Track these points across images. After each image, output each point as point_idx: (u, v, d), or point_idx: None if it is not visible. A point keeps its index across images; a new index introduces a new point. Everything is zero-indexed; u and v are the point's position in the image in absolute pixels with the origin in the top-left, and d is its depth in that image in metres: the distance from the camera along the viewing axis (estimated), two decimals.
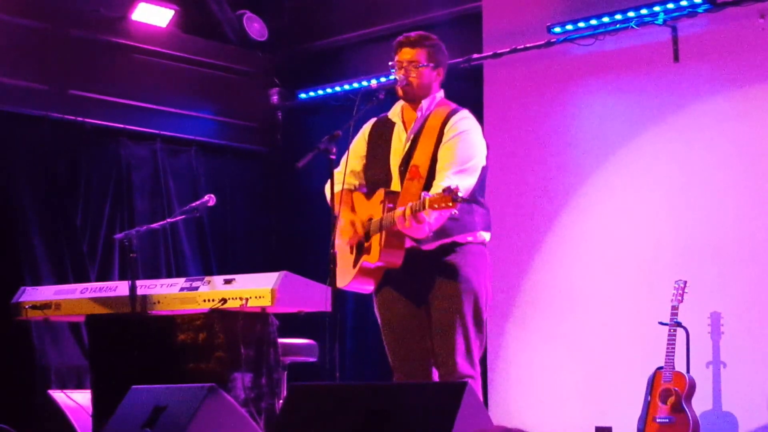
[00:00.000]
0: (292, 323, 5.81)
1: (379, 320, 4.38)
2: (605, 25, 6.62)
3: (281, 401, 5.23)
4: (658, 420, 5.72)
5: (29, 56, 7.29)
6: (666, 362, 5.75)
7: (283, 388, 5.60)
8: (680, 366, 5.78)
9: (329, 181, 4.38)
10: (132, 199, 7.73)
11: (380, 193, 4.23)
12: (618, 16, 6.55)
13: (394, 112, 4.42)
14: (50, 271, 7.11)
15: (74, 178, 7.44)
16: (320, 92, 8.39)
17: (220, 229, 8.25)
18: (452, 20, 7.44)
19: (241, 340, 5.19)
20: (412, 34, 4.39)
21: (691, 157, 6.37)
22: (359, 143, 4.47)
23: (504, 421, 6.23)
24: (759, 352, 5.96)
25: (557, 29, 6.79)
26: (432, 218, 3.94)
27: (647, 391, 5.82)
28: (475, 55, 7.26)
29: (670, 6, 6.36)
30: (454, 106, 4.36)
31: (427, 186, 4.13)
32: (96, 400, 5.50)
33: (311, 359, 6.14)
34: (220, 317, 5.24)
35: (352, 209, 4.35)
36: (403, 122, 4.37)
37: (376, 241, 4.13)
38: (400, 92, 4.34)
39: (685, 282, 5.90)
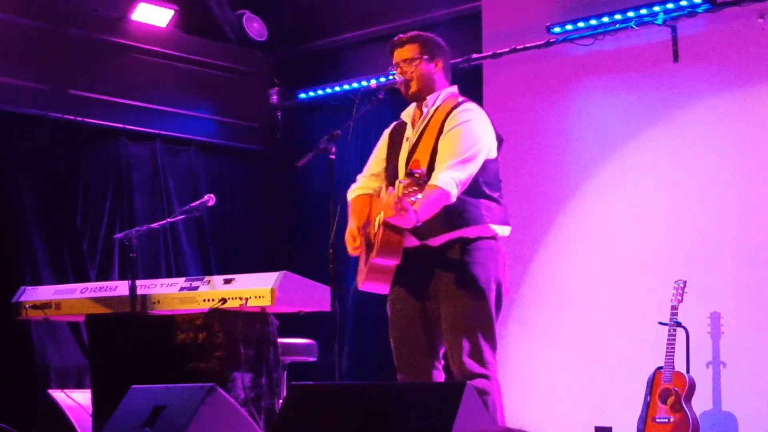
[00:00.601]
0: (292, 323, 5.81)
1: (389, 318, 4.34)
2: (605, 25, 6.62)
3: (281, 401, 5.23)
4: (657, 420, 5.73)
5: (29, 56, 7.29)
6: (666, 362, 5.75)
7: (282, 388, 5.60)
8: (680, 366, 5.78)
9: (353, 184, 4.38)
10: (132, 199, 7.74)
11: (385, 190, 4.21)
12: (618, 16, 6.55)
13: (406, 113, 4.38)
14: (50, 270, 7.11)
15: (74, 178, 7.44)
16: (320, 92, 8.39)
17: (220, 228, 8.26)
18: (452, 20, 7.44)
19: (241, 339, 5.19)
20: (402, 35, 4.34)
21: (691, 157, 6.37)
22: (381, 147, 4.42)
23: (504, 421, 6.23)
24: (759, 352, 5.96)
25: (557, 29, 6.79)
26: (418, 207, 3.87)
27: (647, 391, 5.82)
28: (475, 55, 7.26)
29: (670, 6, 6.36)
30: (461, 99, 4.27)
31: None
32: (96, 400, 5.50)
33: (311, 359, 6.14)
34: (220, 317, 5.25)
35: (369, 215, 4.30)
36: (413, 122, 4.33)
37: (377, 238, 4.12)
38: (403, 91, 4.32)
39: (685, 282, 5.90)
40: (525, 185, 6.91)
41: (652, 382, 5.81)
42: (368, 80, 7.33)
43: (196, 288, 5.60)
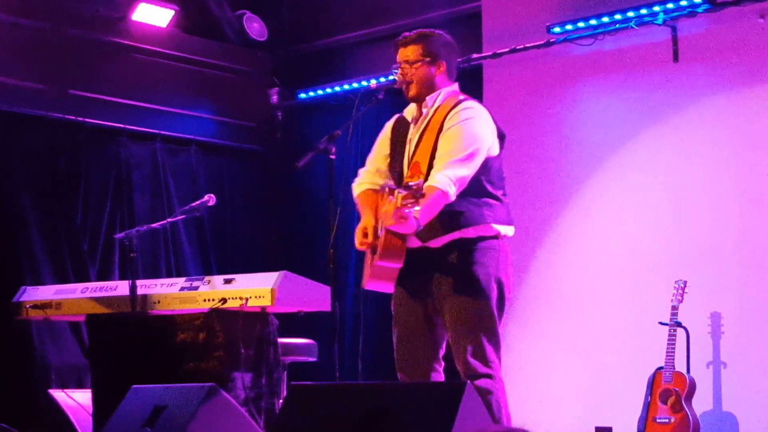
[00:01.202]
0: (292, 323, 5.81)
1: (392, 318, 4.34)
2: (605, 25, 6.62)
3: (281, 401, 5.23)
4: (658, 420, 5.73)
5: (29, 56, 7.29)
6: (666, 362, 5.75)
7: (282, 388, 5.60)
8: (680, 366, 5.78)
9: (356, 178, 4.37)
10: (132, 199, 7.74)
11: (386, 192, 4.21)
12: (618, 16, 6.55)
13: (409, 111, 4.36)
14: (50, 270, 7.12)
15: (74, 178, 7.44)
16: (320, 92, 8.39)
17: (220, 228, 8.26)
18: (452, 20, 7.43)
19: (241, 339, 5.19)
20: (408, 33, 4.31)
21: (691, 157, 6.37)
22: (383, 141, 4.38)
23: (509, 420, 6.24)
24: (759, 352, 5.96)
25: (557, 29, 6.79)
26: (418, 213, 3.85)
27: (647, 392, 5.82)
28: (475, 55, 7.26)
29: (670, 6, 6.36)
30: (462, 97, 4.24)
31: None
32: (96, 400, 5.50)
33: (311, 359, 6.14)
34: (220, 317, 5.25)
35: (376, 211, 4.29)
36: (414, 121, 4.32)
37: (380, 241, 4.11)
38: (404, 93, 4.31)
39: (685, 282, 5.90)
40: (525, 185, 6.91)
41: (652, 383, 5.81)
42: (368, 80, 7.33)
43: (196, 288, 5.60)
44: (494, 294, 4.12)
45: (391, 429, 3.33)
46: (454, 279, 4.09)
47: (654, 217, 6.46)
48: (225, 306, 5.37)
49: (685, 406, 5.67)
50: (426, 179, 3.97)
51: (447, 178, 3.96)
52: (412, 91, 4.25)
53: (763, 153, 6.10)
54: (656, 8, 6.40)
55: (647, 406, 5.79)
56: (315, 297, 5.44)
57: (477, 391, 3.83)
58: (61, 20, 7.48)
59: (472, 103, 4.23)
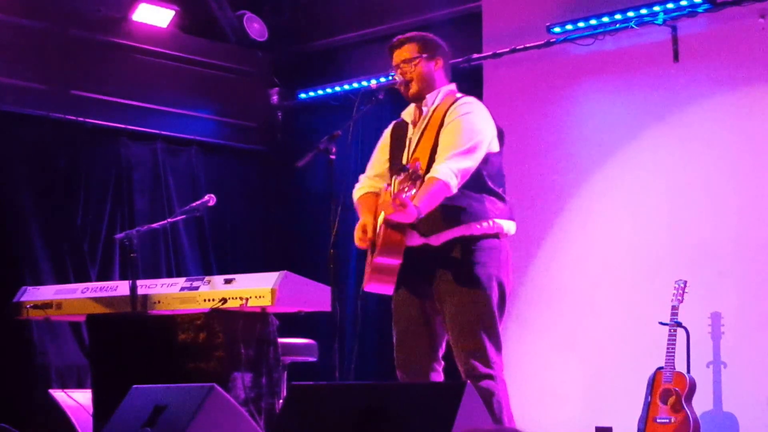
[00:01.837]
0: (292, 323, 5.81)
1: (392, 317, 4.34)
2: (605, 25, 6.62)
3: (281, 401, 5.23)
4: (658, 420, 5.73)
5: (29, 56, 7.30)
6: (666, 362, 5.75)
7: (283, 388, 5.60)
8: (680, 366, 5.78)
9: (356, 184, 4.39)
10: (132, 199, 7.74)
11: (385, 190, 4.21)
12: (618, 16, 6.56)
13: (407, 113, 4.37)
14: (51, 270, 7.12)
15: (74, 178, 7.44)
16: (320, 92, 8.40)
17: (220, 228, 8.26)
18: (452, 20, 7.44)
19: (241, 339, 5.19)
20: (400, 36, 4.34)
21: (691, 157, 6.37)
22: (383, 147, 4.41)
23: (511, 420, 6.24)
24: (759, 353, 5.96)
25: (557, 29, 6.80)
26: (419, 202, 3.86)
27: (647, 392, 5.82)
28: (475, 55, 7.27)
29: (670, 6, 6.36)
30: (460, 95, 4.27)
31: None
32: (96, 400, 5.50)
33: (311, 359, 6.14)
34: (220, 317, 5.25)
35: (376, 212, 4.30)
36: (413, 122, 4.33)
37: (379, 237, 4.11)
38: (403, 92, 4.31)
39: (686, 282, 5.90)
40: (525, 185, 6.91)
41: (652, 383, 5.81)
42: (368, 80, 7.33)
43: (196, 288, 5.60)
44: (495, 294, 4.12)
45: (391, 429, 3.33)
46: (455, 279, 4.09)
47: (654, 217, 6.46)
48: (225, 306, 5.38)
49: (685, 406, 5.68)
50: (427, 170, 3.97)
51: (449, 169, 3.97)
52: (414, 89, 4.26)
53: (764, 153, 6.10)
54: (656, 8, 6.40)
55: (647, 406, 5.79)
56: (315, 297, 5.44)
57: (479, 392, 3.84)
58: (61, 20, 7.48)
59: (471, 99, 4.26)
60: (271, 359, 5.31)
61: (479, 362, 4.06)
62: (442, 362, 4.27)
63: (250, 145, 8.65)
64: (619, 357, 6.44)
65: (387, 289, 4.19)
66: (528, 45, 6.98)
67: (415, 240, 4.10)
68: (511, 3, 7.23)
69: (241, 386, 5.13)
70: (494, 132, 4.19)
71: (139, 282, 5.67)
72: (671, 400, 5.71)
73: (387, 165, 4.36)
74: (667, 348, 5.75)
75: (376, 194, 4.34)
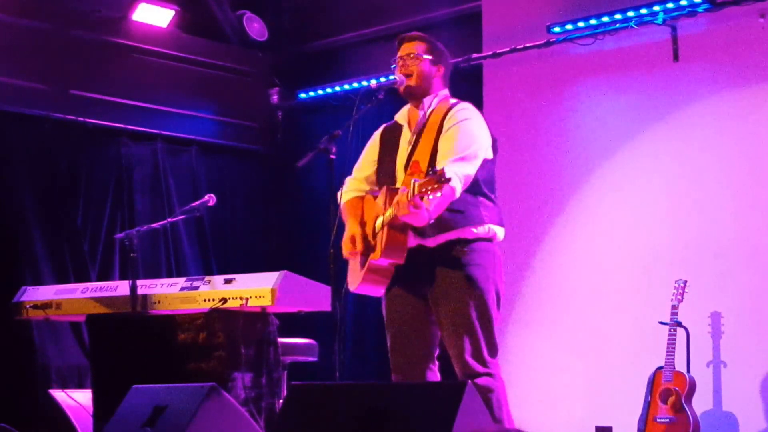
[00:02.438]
0: (292, 323, 5.81)
1: (384, 319, 4.35)
2: (605, 24, 6.62)
3: (281, 401, 5.23)
4: (658, 420, 5.73)
5: (30, 56, 7.30)
6: (666, 362, 5.75)
7: (283, 388, 5.60)
8: (680, 366, 5.78)
9: (342, 187, 4.40)
10: (132, 199, 7.74)
11: (383, 192, 4.22)
12: (618, 16, 6.56)
13: (401, 115, 4.39)
14: (51, 270, 7.12)
15: (75, 178, 7.45)
16: (320, 92, 8.40)
17: (221, 228, 8.26)
18: (452, 20, 7.44)
19: (242, 339, 5.19)
20: (414, 32, 4.41)
21: (691, 157, 6.37)
22: (371, 149, 4.44)
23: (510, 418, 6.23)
24: (759, 352, 5.96)
25: (557, 29, 6.79)
26: (430, 205, 3.88)
27: (647, 391, 5.82)
28: (475, 55, 7.27)
29: (670, 5, 6.36)
30: (455, 101, 4.31)
31: None
32: (96, 400, 5.50)
33: (311, 359, 6.14)
34: (220, 317, 5.25)
35: (362, 217, 4.31)
36: (409, 123, 4.34)
37: (379, 239, 4.11)
38: (402, 90, 4.32)
39: (686, 282, 5.90)
40: (525, 185, 6.92)
41: (652, 382, 5.81)
42: (368, 80, 7.33)
43: (196, 288, 5.60)
44: (491, 295, 4.15)
45: (391, 429, 3.33)
46: (451, 280, 4.11)
47: (654, 216, 6.46)
48: (225, 306, 5.38)
49: (685, 405, 5.68)
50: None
51: (455, 174, 3.98)
52: (411, 83, 4.27)
53: (763, 152, 6.10)
54: (656, 8, 6.40)
55: (647, 406, 5.79)
56: (315, 297, 5.45)
57: (477, 390, 3.85)
58: (61, 20, 7.48)
59: (468, 105, 4.31)
60: (271, 359, 5.31)
61: (476, 362, 4.08)
62: (437, 362, 4.28)
63: (250, 145, 8.65)
64: (619, 356, 6.44)
65: (378, 290, 4.23)
66: (528, 45, 6.98)
67: (410, 241, 4.11)
68: (511, 3, 7.23)
69: (241, 386, 5.13)
70: (489, 140, 4.24)
71: (139, 282, 5.68)
72: (671, 399, 5.71)
73: (375, 167, 4.39)
74: (667, 347, 5.75)
75: (361, 198, 4.38)
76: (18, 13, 7.21)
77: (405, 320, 4.23)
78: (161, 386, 4.16)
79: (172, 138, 8.09)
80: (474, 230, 4.14)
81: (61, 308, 6.05)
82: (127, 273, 7.09)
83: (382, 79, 4.38)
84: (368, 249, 4.19)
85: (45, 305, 6.06)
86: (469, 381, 3.66)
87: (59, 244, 7.23)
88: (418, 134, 4.24)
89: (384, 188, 4.22)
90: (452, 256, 4.13)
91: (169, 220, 6.29)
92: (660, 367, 5.78)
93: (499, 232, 4.24)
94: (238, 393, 5.08)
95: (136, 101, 7.87)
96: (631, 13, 6.50)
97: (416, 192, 3.75)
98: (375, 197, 4.35)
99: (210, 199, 5.88)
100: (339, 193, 4.41)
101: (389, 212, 4.01)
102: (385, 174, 4.34)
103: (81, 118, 7.47)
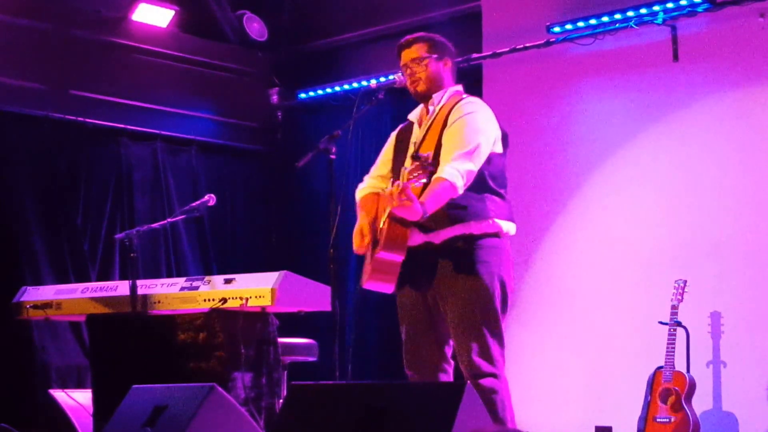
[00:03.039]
0: (292, 323, 5.81)
1: (398, 315, 4.34)
2: (605, 24, 6.62)
3: (281, 400, 5.23)
4: (658, 419, 5.73)
5: (29, 56, 7.30)
6: (666, 362, 5.75)
7: (283, 388, 5.60)
8: (680, 365, 5.78)
9: (360, 184, 4.40)
10: (132, 199, 7.74)
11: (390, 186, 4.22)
12: (617, 16, 6.56)
13: (414, 114, 4.38)
14: (51, 270, 7.12)
15: (75, 178, 7.45)
16: (320, 92, 8.40)
17: (220, 228, 8.26)
18: (452, 20, 7.44)
19: (241, 339, 5.19)
20: (408, 36, 4.35)
21: (690, 156, 6.37)
22: (387, 148, 4.43)
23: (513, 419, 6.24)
24: (759, 352, 5.96)
25: (557, 29, 6.80)
26: (424, 198, 3.86)
27: (647, 391, 5.82)
28: (475, 55, 7.27)
29: (670, 5, 6.36)
30: (465, 96, 4.28)
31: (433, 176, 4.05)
32: (96, 400, 5.51)
33: (311, 359, 6.14)
34: (220, 317, 5.25)
35: (375, 213, 4.30)
36: (420, 121, 4.34)
37: (382, 232, 4.10)
38: (412, 92, 4.31)
39: (685, 281, 5.90)
40: (525, 184, 6.91)
41: (652, 382, 5.81)
42: (368, 80, 7.34)
43: (196, 288, 5.60)
44: (498, 292, 4.12)
45: (391, 429, 3.33)
46: (458, 278, 4.09)
47: (654, 216, 6.46)
48: (225, 306, 5.38)
49: (685, 405, 5.68)
50: (431, 173, 3.96)
51: (455, 170, 3.97)
52: (422, 88, 4.25)
53: (763, 152, 6.10)
54: (656, 8, 6.40)
55: (647, 406, 5.79)
56: (315, 297, 5.44)
57: (481, 391, 3.85)
58: (61, 20, 7.48)
59: (475, 99, 4.27)
60: (271, 359, 5.31)
61: (483, 360, 4.06)
62: (452, 362, 4.26)
63: (250, 145, 8.65)
64: (619, 356, 6.44)
65: (387, 287, 4.18)
66: (528, 45, 6.98)
67: (417, 238, 4.10)
68: (510, 3, 7.23)
69: (241, 386, 5.13)
70: (498, 133, 4.19)
71: (139, 282, 5.67)
72: (671, 399, 5.71)
73: (390, 165, 4.37)
74: (667, 347, 5.75)
75: (377, 194, 4.35)
76: (18, 12, 7.22)
77: (416, 320, 4.22)
78: (161, 386, 4.16)
79: (172, 138, 8.09)
80: (479, 225, 4.10)
81: (61, 308, 6.05)
82: (127, 273, 7.09)
83: (382, 79, 4.39)
84: (375, 244, 4.18)
85: (45, 305, 6.06)
86: (469, 381, 3.67)
87: (59, 244, 7.23)
88: (427, 130, 4.23)
89: (391, 183, 4.21)
90: (458, 252, 4.10)
91: (169, 220, 6.28)
92: (660, 367, 5.78)
93: (507, 226, 4.19)
94: (238, 393, 5.08)
95: (136, 101, 7.87)
96: (630, 13, 6.51)
97: (405, 179, 3.73)
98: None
99: (210, 199, 5.87)
100: (357, 191, 4.42)
101: (388, 207, 4.00)
102: (397, 172, 4.32)
103: (81, 118, 7.47)
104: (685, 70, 6.41)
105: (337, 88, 8.21)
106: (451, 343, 4.22)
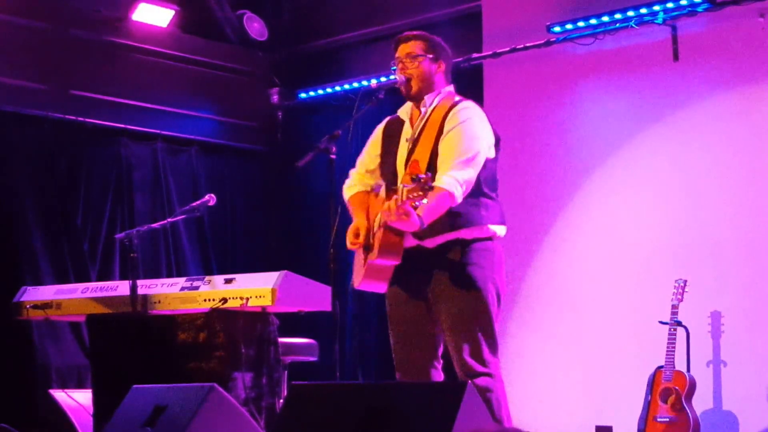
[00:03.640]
0: (293, 323, 5.81)
1: (388, 318, 4.35)
2: (605, 24, 6.62)
3: (282, 400, 5.23)
4: (658, 419, 5.73)
5: (30, 56, 7.30)
6: (666, 361, 5.75)
7: (283, 388, 5.60)
8: (680, 365, 5.78)
9: (347, 180, 4.40)
10: (132, 199, 7.74)
11: (383, 191, 4.22)
12: (618, 16, 6.55)
13: (404, 110, 4.38)
14: (51, 270, 7.12)
15: (75, 178, 7.45)
16: (320, 92, 8.40)
17: (221, 228, 8.26)
18: (452, 20, 7.44)
19: (242, 339, 5.19)
20: (409, 32, 4.37)
21: (690, 156, 6.37)
22: (374, 143, 4.42)
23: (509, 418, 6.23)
24: (759, 351, 5.96)
25: (557, 29, 6.79)
26: (422, 211, 3.87)
27: (648, 391, 5.82)
28: (475, 55, 7.27)
29: (670, 5, 6.36)
30: (458, 98, 4.28)
31: None
32: (97, 400, 5.50)
33: (311, 358, 6.14)
34: (220, 317, 5.25)
35: (367, 211, 4.32)
36: (411, 120, 4.34)
37: (376, 239, 4.12)
38: (403, 91, 4.32)
39: (686, 281, 5.90)
40: (525, 184, 6.92)
41: (652, 382, 5.81)
42: (368, 80, 7.34)
43: (196, 288, 5.60)
44: (491, 294, 4.14)
45: (392, 429, 3.33)
46: (451, 279, 4.11)
47: (654, 216, 6.46)
48: (225, 306, 5.38)
49: (685, 405, 5.68)
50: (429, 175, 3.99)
51: (454, 180, 3.98)
52: (414, 88, 4.26)
53: (763, 152, 6.10)
54: (656, 7, 6.40)
55: (647, 405, 5.79)
56: (315, 297, 5.45)
57: (477, 390, 3.85)
58: (61, 20, 7.48)
59: (470, 104, 4.27)
60: (272, 359, 5.31)
61: (476, 361, 4.08)
62: (441, 360, 4.28)
63: (250, 145, 8.65)
64: (619, 356, 6.44)
65: (380, 287, 4.23)
66: (528, 44, 6.98)
67: (409, 241, 4.12)
68: (511, 2, 7.23)
69: (242, 386, 5.13)
70: (492, 138, 4.22)
71: (139, 282, 5.68)
72: (671, 398, 5.71)
73: (378, 161, 4.38)
74: (667, 347, 5.75)
75: (367, 192, 4.37)
76: (18, 12, 7.21)
77: (407, 321, 4.23)
78: (161, 386, 4.16)
79: (172, 138, 8.09)
80: (473, 231, 4.14)
81: (61, 308, 6.05)
82: (127, 273, 7.09)
83: (383, 79, 4.37)
84: (369, 246, 4.19)
85: (45, 305, 6.06)
86: (470, 381, 3.67)
87: (59, 244, 7.23)
88: (419, 132, 4.23)
89: (385, 187, 4.22)
90: (451, 256, 4.13)
91: (169, 220, 6.29)
92: (660, 367, 5.78)
93: (500, 230, 4.23)
94: (238, 393, 5.08)
95: (136, 101, 7.86)
96: (631, 13, 6.50)
97: (404, 198, 3.75)
98: (377, 193, 4.35)
99: (210, 198, 5.88)
100: (344, 187, 4.41)
101: (381, 213, 4.01)
102: (387, 170, 4.33)
103: (81, 118, 7.47)
104: (685, 70, 6.41)
105: (338, 88, 8.20)
106: (442, 343, 4.24)
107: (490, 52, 7.19)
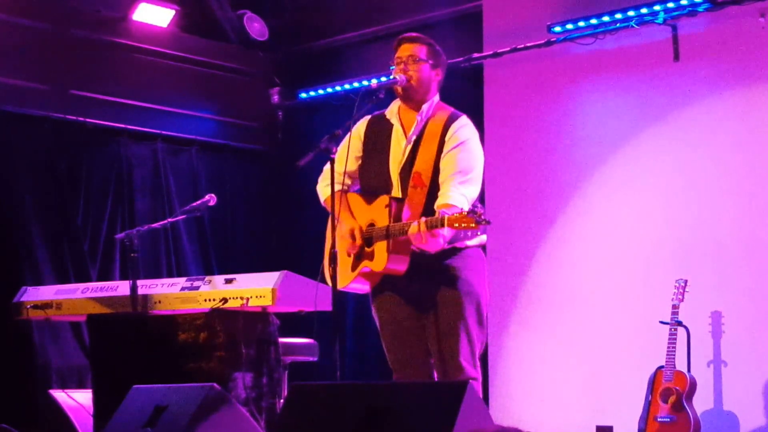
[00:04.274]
0: (293, 323, 5.81)
1: (377, 322, 4.38)
2: (605, 24, 6.61)
3: (282, 400, 5.23)
4: (659, 419, 5.73)
5: (30, 56, 7.30)
6: (667, 361, 5.74)
7: (283, 388, 5.60)
8: (681, 365, 5.78)
9: (320, 179, 4.42)
10: (133, 199, 7.75)
11: (384, 199, 4.23)
12: (618, 16, 6.55)
13: (392, 112, 4.40)
14: (51, 270, 7.12)
15: (75, 178, 7.45)
16: (321, 92, 8.40)
17: (221, 228, 8.26)
18: (452, 20, 7.44)
19: (242, 339, 5.19)
20: (413, 32, 4.44)
21: (691, 156, 6.36)
22: (354, 142, 4.44)
23: (504, 420, 6.23)
24: (760, 352, 5.96)
25: (557, 28, 6.79)
26: (447, 232, 3.99)
27: (648, 391, 5.81)
28: (475, 55, 7.26)
29: (671, 5, 6.35)
30: (451, 110, 4.38)
31: (431, 194, 4.16)
32: (97, 400, 5.50)
33: (312, 359, 6.14)
34: (220, 317, 5.25)
35: (351, 212, 4.34)
36: (402, 124, 4.35)
37: (381, 248, 4.14)
38: (399, 91, 4.33)
39: (686, 281, 5.90)
40: (525, 184, 6.91)
41: (653, 382, 5.81)
42: (369, 80, 7.33)
43: (197, 288, 5.60)
44: (484, 298, 4.30)
45: (392, 429, 3.33)
46: (447, 283, 4.19)
47: (654, 216, 6.45)
48: (226, 306, 5.38)
49: (685, 405, 5.67)
50: (432, 192, 4.15)
51: (463, 197, 4.14)
52: (410, 90, 4.29)
53: (764, 152, 6.09)
54: (657, 7, 6.39)
55: (648, 405, 5.79)
56: (316, 296, 5.44)
57: None
58: (62, 20, 7.48)
59: (466, 120, 4.38)
60: (272, 359, 5.31)
61: (467, 364, 4.17)
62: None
63: (250, 144, 8.65)
64: (620, 356, 6.43)
65: (364, 289, 4.32)
66: (528, 44, 6.97)
67: None
68: (511, 2, 7.22)
69: (242, 386, 5.13)
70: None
71: (139, 282, 5.68)
72: (672, 399, 5.71)
73: (359, 163, 4.41)
74: (668, 347, 5.75)
75: (345, 192, 4.45)
76: (18, 12, 7.21)
77: (399, 320, 4.28)
78: (161, 386, 4.16)
79: (173, 138, 8.09)
80: (466, 241, 4.28)
81: (61, 308, 6.05)
82: (127, 273, 7.09)
83: (383, 79, 4.39)
84: (361, 254, 4.23)
85: (45, 305, 6.07)
86: (470, 381, 3.68)
87: (59, 244, 7.23)
88: (416, 142, 4.27)
89: (385, 197, 4.23)
90: (447, 261, 4.24)
91: (170, 219, 6.29)
92: (660, 367, 5.78)
93: (485, 238, 4.41)
94: (238, 393, 5.08)
95: (136, 101, 7.87)
96: (631, 13, 6.49)
97: (445, 225, 3.84)
98: (360, 195, 4.38)
99: (210, 198, 5.88)
100: (319, 187, 4.45)
101: (398, 227, 4.04)
102: (374, 174, 4.35)
103: (81, 118, 7.47)
104: (686, 70, 6.40)
105: (338, 88, 8.20)
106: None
107: (491, 52, 7.19)
